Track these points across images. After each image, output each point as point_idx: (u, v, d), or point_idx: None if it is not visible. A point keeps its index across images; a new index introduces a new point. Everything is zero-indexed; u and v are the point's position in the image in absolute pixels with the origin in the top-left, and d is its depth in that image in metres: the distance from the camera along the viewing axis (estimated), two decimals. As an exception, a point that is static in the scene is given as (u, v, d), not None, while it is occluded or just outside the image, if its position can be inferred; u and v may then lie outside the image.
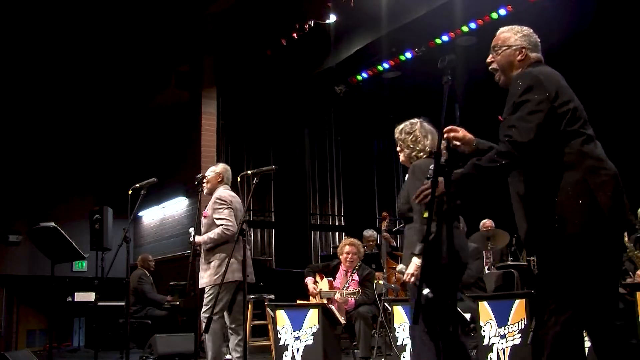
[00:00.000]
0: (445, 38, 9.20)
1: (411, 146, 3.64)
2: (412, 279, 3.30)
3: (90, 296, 9.19)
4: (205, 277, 5.02)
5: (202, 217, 5.20)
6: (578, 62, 8.80)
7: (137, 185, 5.21)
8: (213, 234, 4.98)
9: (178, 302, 8.15)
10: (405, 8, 8.48)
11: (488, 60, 2.88)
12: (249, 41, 9.80)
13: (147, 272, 8.50)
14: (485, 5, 8.56)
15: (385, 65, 10.44)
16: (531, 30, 2.89)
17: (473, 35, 9.10)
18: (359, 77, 11.18)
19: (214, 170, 5.27)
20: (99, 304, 8.02)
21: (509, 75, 2.82)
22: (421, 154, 3.61)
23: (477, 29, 8.90)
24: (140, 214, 10.97)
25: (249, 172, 4.46)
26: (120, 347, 7.90)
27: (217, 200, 5.07)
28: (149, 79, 10.53)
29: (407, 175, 3.65)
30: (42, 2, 8.84)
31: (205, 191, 5.26)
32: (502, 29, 2.91)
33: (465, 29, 8.95)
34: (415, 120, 3.71)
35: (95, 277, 8.32)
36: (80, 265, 10.30)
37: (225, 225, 4.94)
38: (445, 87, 2.74)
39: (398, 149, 3.74)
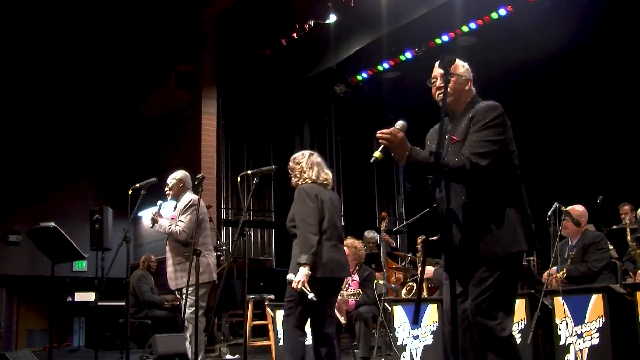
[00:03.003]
0: (445, 38, 9.20)
1: (297, 175, 4.31)
2: (299, 285, 3.90)
3: (90, 296, 9.19)
4: (181, 279, 5.14)
5: (171, 219, 5.35)
6: (578, 63, 8.79)
7: (137, 185, 5.25)
8: (170, 227, 5.21)
9: (178, 302, 8.15)
10: (405, 8, 8.48)
11: (437, 84, 3.04)
12: (248, 41, 9.81)
13: (148, 273, 8.48)
14: (485, 5, 8.56)
15: (385, 65, 10.44)
16: None
17: (473, 35, 9.11)
18: (359, 77, 11.19)
19: (175, 177, 5.47)
20: (99, 304, 8.02)
21: (457, 99, 3.04)
22: (307, 181, 4.26)
23: (477, 29, 8.90)
24: (140, 214, 10.96)
25: (249, 172, 4.46)
26: (120, 347, 7.90)
27: (189, 203, 5.28)
28: (148, 79, 10.54)
29: (294, 199, 4.21)
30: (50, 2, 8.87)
31: (170, 198, 5.50)
32: None
33: (465, 29, 8.95)
34: (307, 152, 4.42)
35: (95, 277, 8.32)
36: (80, 265, 10.30)
37: (182, 229, 5.15)
38: (445, 87, 2.78)
39: (291, 177, 4.36)
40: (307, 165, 4.31)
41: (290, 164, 4.39)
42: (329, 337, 4.17)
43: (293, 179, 4.34)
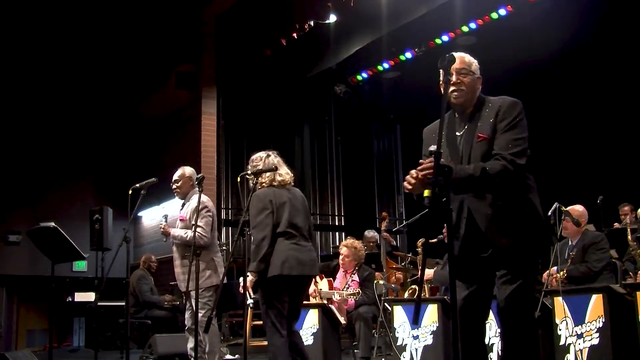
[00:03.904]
0: (445, 38, 9.20)
1: (255, 180, 4.25)
2: (242, 290, 4.08)
3: (90, 296, 9.19)
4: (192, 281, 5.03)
5: (179, 221, 5.24)
6: (578, 63, 8.80)
7: (137, 185, 5.20)
8: (187, 234, 5.05)
9: (178, 302, 8.15)
10: (405, 8, 8.48)
11: (455, 80, 2.98)
12: (248, 41, 9.80)
13: (148, 273, 8.48)
14: (485, 5, 8.56)
15: (385, 65, 10.44)
16: None
17: (473, 35, 9.11)
18: (359, 77, 11.18)
19: (184, 174, 5.32)
20: (99, 304, 8.01)
21: (471, 96, 3.01)
22: (264, 185, 4.26)
23: (477, 29, 8.91)
24: (140, 214, 10.97)
25: (249, 172, 4.45)
26: (120, 347, 7.89)
27: (202, 207, 5.10)
28: (148, 79, 10.54)
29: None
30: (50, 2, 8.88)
31: (178, 196, 5.36)
32: (461, 54, 3.06)
33: (465, 29, 8.95)
34: (264, 154, 4.40)
35: (95, 277, 8.31)
36: (80, 265, 10.30)
37: (201, 233, 5.02)
38: (445, 87, 2.77)
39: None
40: (265, 168, 4.31)
41: (249, 167, 4.39)
42: (297, 333, 4.28)
43: (251, 182, 4.32)
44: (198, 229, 4.98)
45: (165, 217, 5.34)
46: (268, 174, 4.26)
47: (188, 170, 5.37)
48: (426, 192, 2.60)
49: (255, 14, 9.42)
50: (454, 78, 2.97)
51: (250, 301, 4.13)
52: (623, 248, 5.96)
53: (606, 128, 8.83)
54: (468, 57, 3.08)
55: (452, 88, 2.97)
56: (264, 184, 4.27)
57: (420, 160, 2.79)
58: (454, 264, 2.64)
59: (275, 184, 4.28)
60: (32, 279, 9.48)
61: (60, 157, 10.72)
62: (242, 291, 4.08)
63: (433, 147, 2.61)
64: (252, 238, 4.14)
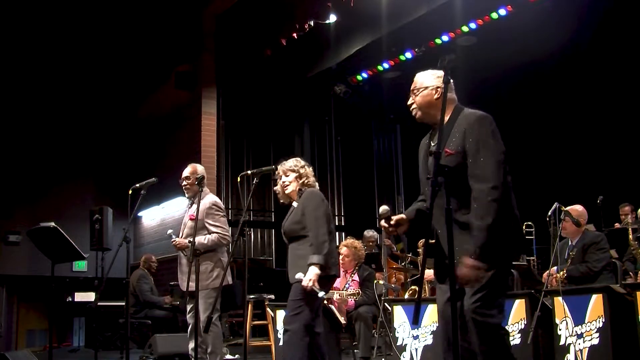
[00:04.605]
0: (445, 38, 9.21)
1: (305, 180, 4.36)
2: (310, 284, 3.94)
3: (90, 296, 9.19)
4: (201, 281, 4.97)
5: (189, 219, 5.17)
6: (578, 63, 8.80)
7: (137, 185, 5.18)
8: (206, 240, 4.98)
9: (178, 303, 8.15)
10: (405, 8, 8.49)
11: (409, 102, 3.12)
12: (248, 41, 9.81)
13: (148, 273, 8.48)
14: (485, 5, 8.56)
15: (385, 65, 10.45)
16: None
17: (473, 35, 9.11)
18: (359, 77, 11.19)
19: (196, 172, 5.21)
20: (99, 304, 8.01)
21: (427, 112, 3.07)
22: (312, 180, 4.37)
23: (477, 29, 8.91)
24: (140, 214, 10.97)
25: (249, 172, 4.45)
26: (120, 347, 7.89)
27: (214, 207, 5.12)
28: (148, 79, 10.54)
29: (303, 200, 4.28)
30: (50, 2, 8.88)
31: (188, 193, 5.28)
32: (418, 74, 3.15)
33: (465, 29, 8.96)
34: (298, 158, 4.51)
35: (95, 277, 8.31)
36: (80, 265, 10.30)
37: (222, 233, 5.04)
38: (444, 87, 2.79)
39: (289, 179, 4.37)
40: (309, 168, 4.42)
41: (293, 167, 4.38)
42: (319, 335, 4.22)
43: (300, 180, 4.35)
44: (218, 229, 5.05)
45: (171, 234, 5.19)
46: (311, 175, 4.40)
47: (199, 167, 5.29)
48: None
49: (255, 14, 9.43)
50: (410, 100, 3.11)
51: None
52: (623, 248, 5.96)
53: (606, 128, 8.82)
54: (420, 76, 3.12)
55: (410, 106, 3.11)
56: (312, 181, 4.39)
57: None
58: (449, 265, 2.64)
59: (315, 184, 4.42)
60: (32, 279, 9.48)
61: (60, 157, 10.72)
62: (306, 284, 3.94)
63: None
64: (312, 232, 4.11)
